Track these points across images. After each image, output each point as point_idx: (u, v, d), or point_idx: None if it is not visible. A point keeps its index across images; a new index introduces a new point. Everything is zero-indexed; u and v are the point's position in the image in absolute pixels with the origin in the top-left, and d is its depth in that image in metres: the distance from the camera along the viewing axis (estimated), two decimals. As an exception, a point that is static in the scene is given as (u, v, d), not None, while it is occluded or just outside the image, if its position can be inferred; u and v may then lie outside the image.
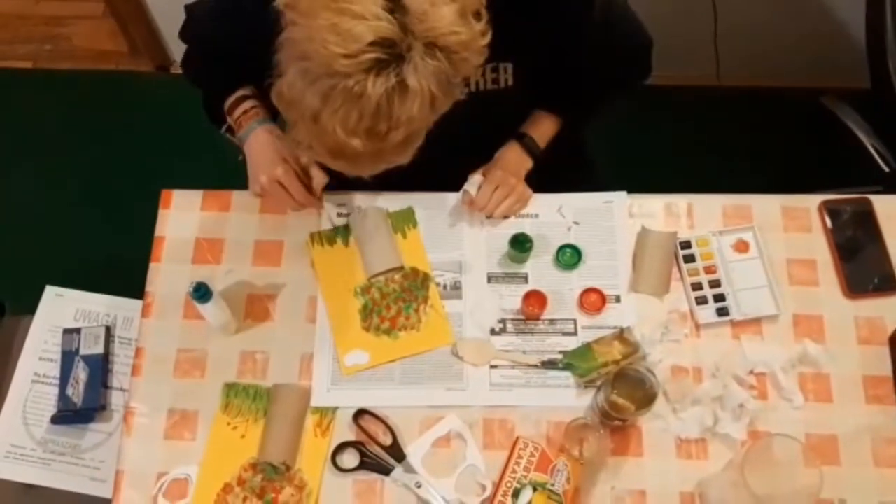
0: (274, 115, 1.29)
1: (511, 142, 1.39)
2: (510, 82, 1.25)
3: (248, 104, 1.31)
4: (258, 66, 1.02)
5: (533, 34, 1.14)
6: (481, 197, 1.34)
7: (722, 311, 1.30)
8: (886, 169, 2.08)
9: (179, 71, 2.54)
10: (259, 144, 1.29)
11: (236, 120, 1.32)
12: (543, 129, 1.40)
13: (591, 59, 1.27)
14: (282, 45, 0.95)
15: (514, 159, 1.38)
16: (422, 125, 0.98)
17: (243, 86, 1.33)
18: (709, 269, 1.33)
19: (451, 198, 1.39)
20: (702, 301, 1.31)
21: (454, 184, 1.37)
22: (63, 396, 1.46)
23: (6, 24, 2.62)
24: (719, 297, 1.31)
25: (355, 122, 0.92)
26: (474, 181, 1.35)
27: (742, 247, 1.35)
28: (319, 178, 1.30)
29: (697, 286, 1.31)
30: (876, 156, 2.12)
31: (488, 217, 1.37)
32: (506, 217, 1.38)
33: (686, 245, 1.34)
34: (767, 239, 1.35)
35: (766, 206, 1.38)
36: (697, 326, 1.30)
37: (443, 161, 1.31)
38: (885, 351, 1.28)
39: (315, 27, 0.89)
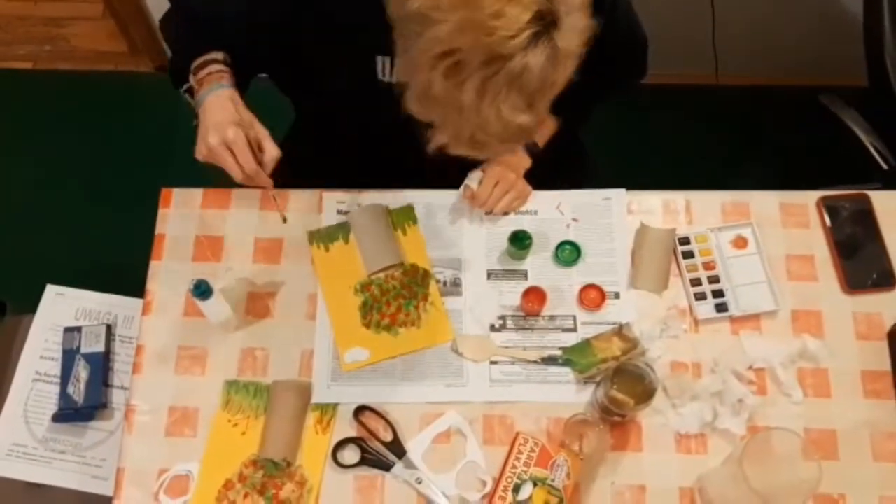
0: (242, 85, 1.26)
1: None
2: None
3: (214, 67, 1.22)
4: (243, 28, 1.07)
5: None
6: (482, 192, 1.35)
7: (721, 307, 1.30)
8: (885, 166, 2.08)
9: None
10: (215, 106, 1.20)
11: (198, 80, 1.23)
12: (542, 129, 1.40)
13: (593, 58, 1.27)
14: (406, 51, 0.94)
15: (513, 157, 1.38)
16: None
17: (216, 50, 1.25)
18: (708, 266, 1.33)
19: (451, 195, 1.39)
20: (701, 297, 1.31)
21: (457, 183, 1.38)
22: (64, 395, 1.46)
23: (6, 26, 2.62)
24: (718, 293, 1.31)
25: (520, 99, 0.92)
26: (475, 176, 1.35)
27: (741, 243, 1.35)
28: (272, 152, 1.19)
29: (696, 282, 1.32)
30: (874, 153, 2.12)
31: (488, 213, 1.38)
32: (505, 213, 1.38)
33: (685, 241, 1.35)
34: (766, 235, 1.36)
35: (765, 203, 1.39)
36: (696, 322, 1.30)
37: (449, 160, 1.32)
38: (884, 346, 1.29)
39: (469, 19, 0.87)
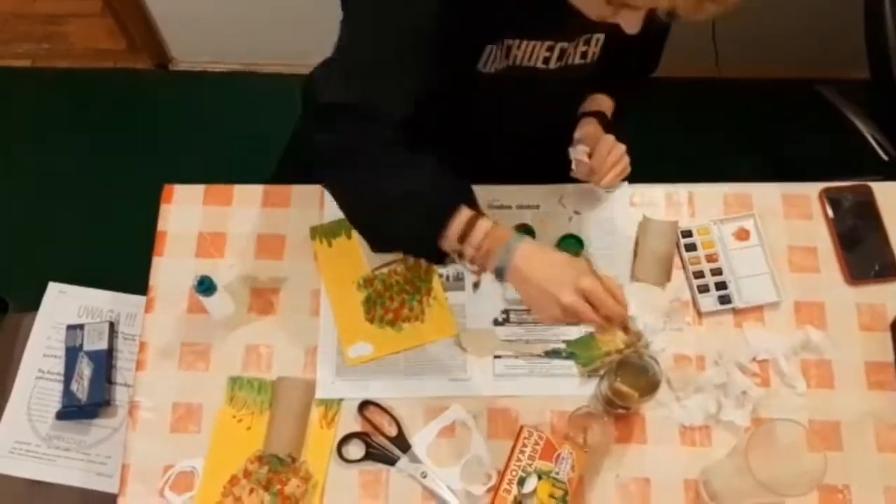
0: None
1: (589, 119, 1.36)
2: (596, 56, 1.25)
3: (486, 222, 1.04)
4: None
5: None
6: (599, 161, 1.28)
7: (724, 299, 1.30)
8: (886, 158, 2.09)
9: (178, 68, 2.57)
10: (540, 260, 1.04)
11: (480, 245, 1.04)
12: (608, 110, 1.39)
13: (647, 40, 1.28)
14: None
15: (597, 133, 1.35)
16: None
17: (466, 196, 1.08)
18: (710, 258, 1.33)
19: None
20: (704, 289, 1.31)
21: (501, 176, 1.37)
22: (67, 392, 1.46)
23: (3, 23, 2.62)
24: (721, 285, 1.31)
25: None
26: (582, 150, 1.30)
27: (743, 235, 1.35)
28: (616, 285, 1.07)
29: (699, 274, 1.32)
30: (875, 145, 2.12)
31: (598, 184, 1.30)
32: (609, 188, 1.33)
33: (687, 234, 1.35)
34: (768, 226, 1.36)
35: (767, 195, 1.39)
36: (699, 314, 1.31)
37: (511, 142, 1.34)
38: (887, 337, 1.29)
39: None
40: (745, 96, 2.42)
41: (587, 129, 1.36)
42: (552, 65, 1.24)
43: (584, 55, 1.25)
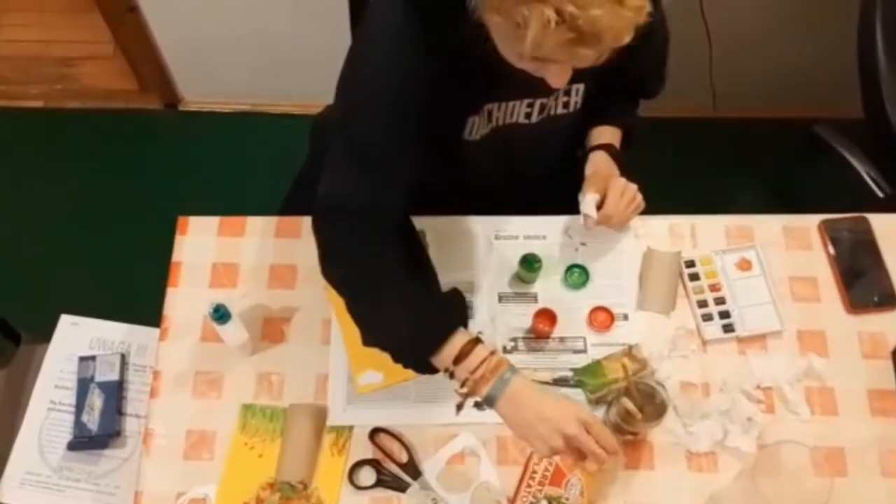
0: None
1: (597, 152, 1.39)
2: (578, 105, 1.28)
3: (483, 350, 1.09)
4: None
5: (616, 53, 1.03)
6: (613, 207, 1.31)
7: (727, 328, 1.33)
8: (880, 195, 2.13)
9: (187, 108, 2.62)
10: (530, 399, 1.08)
11: (475, 371, 1.08)
12: (615, 139, 1.42)
13: (642, 69, 1.32)
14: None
15: (608, 167, 1.38)
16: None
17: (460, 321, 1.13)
18: (713, 287, 1.36)
19: (461, 220, 1.43)
20: (708, 318, 1.34)
21: (507, 208, 1.42)
22: (79, 423, 1.47)
23: (18, 66, 2.67)
24: (724, 314, 1.34)
25: None
26: (590, 201, 1.31)
27: (745, 265, 1.38)
28: (605, 431, 1.09)
29: (703, 303, 1.35)
30: (870, 183, 2.16)
31: (611, 227, 1.34)
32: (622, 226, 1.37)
33: (691, 264, 1.38)
34: (769, 257, 1.39)
35: (768, 227, 1.42)
36: (704, 342, 1.33)
37: (500, 186, 1.37)
38: (889, 365, 1.31)
39: None
40: (741, 136, 2.47)
41: (597, 162, 1.38)
42: (534, 119, 1.27)
43: (565, 105, 1.28)
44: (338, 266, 1.17)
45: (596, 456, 1.07)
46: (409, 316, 1.12)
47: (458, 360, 1.09)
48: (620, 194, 1.32)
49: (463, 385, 1.10)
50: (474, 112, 1.21)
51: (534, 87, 1.10)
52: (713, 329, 1.33)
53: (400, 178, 1.15)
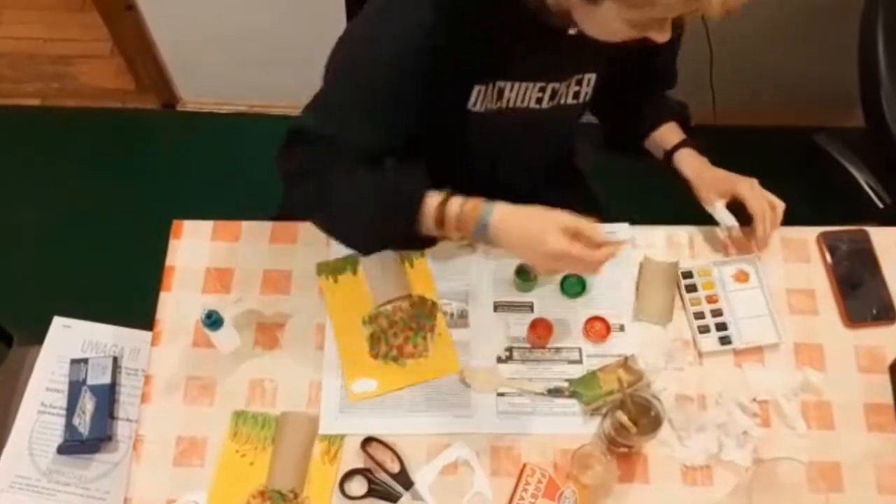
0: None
1: (682, 151, 1.40)
2: (588, 96, 1.29)
3: (456, 202, 1.12)
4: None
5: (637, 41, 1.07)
6: (768, 222, 1.32)
7: (724, 340, 1.32)
8: (880, 205, 2.12)
9: (185, 108, 2.61)
10: (511, 227, 1.11)
11: (457, 225, 1.13)
12: (681, 134, 1.44)
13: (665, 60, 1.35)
14: None
15: (703, 165, 1.40)
16: None
17: (422, 185, 1.15)
18: (711, 299, 1.35)
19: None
20: (704, 330, 1.33)
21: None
22: (70, 426, 1.46)
23: (14, 63, 2.67)
24: (721, 326, 1.33)
25: None
26: (723, 210, 1.34)
27: (742, 277, 1.38)
28: (592, 229, 1.11)
29: (700, 315, 1.34)
30: (870, 192, 2.16)
31: (760, 248, 1.37)
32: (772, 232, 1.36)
33: (688, 275, 1.37)
34: (767, 269, 1.38)
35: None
36: (700, 354, 1.32)
37: (501, 176, 1.37)
38: (886, 379, 1.30)
39: None
40: (741, 144, 2.45)
41: (691, 163, 1.40)
42: (544, 105, 1.27)
43: (576, 95, 1.29)
44: (296, 188, 1.20)
45: (592, 261, 1.09)
46: (374, 210, 1.15)
47: (439, 223, 1.12)
48: (758, 196, 1.32)
49: (459, 238, 1.16)
50: (481, 82, 1.20)
51: (548, 71, 1.13)
52: (709, 341, 1.32)
53: (380, 123, 1.14)
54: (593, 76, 1.27)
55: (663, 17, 1.00)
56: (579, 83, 1.28)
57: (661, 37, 1.04)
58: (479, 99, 1.22)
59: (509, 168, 1.37)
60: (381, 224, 1.16)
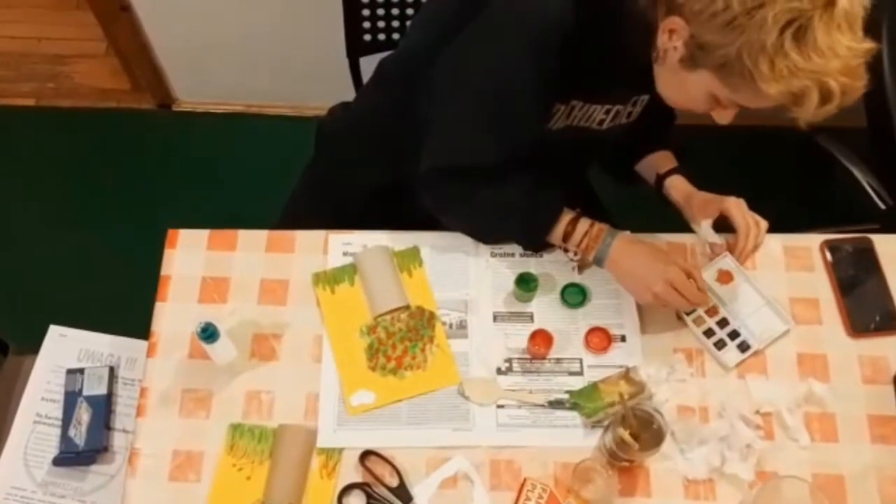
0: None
1: (675, 177, 1.45)
2: (635, 116, 1.32)
3: (584, 224, 1.29)
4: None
5: None
6: (751, 237, 1.35)
7: (743, 347, 1.31)
8: (882, 206, 2.10)
9: (181, 108, 2.59)
10: (631, 254, 1.27)
11: (581, 243, 1.29)
12: (674, 162, 1.49)
13: None
14: (726, 62, 1.03)
15: (693, 190, 1.44)
16: None
17: (554, 204, 1.30)
18: (711, 312, 1.33)
19: (456, 237, 1.40)
20: (721, 345, 1.31)
21: None
22: (65, 438, 1.44)
23: (9, 63, 2.64)
24: (734, 334, 1.31)
25: (853, 31, 1.00)
26: (709, 228, 1.37)
27: (725, 277, 1.36)
28: (699, 273, 1.28)
29: (710, 332, 1.32)
30: (872, 194, 2.14)
31: (741, 262, 1.37)
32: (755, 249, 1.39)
33: None
34: (770, 278, 1.37)
35: (769, 246, 1.40)
36: (703, 366, 1.30)
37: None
38: (890, 390, 1.29)
39: None
40: (741, 145, 2.44)
41: (681, 187, 1.44)
42: (605, 126, 1.29)
43: (629, 115, 1.31)
44: (448, 216, 1.36)
45: (695, 299, 1.25)
46: (519, 223, 1.32)
47: (565, 238, 1.29)
48: (754, 226, 1.36)
49: (575, 255, 1.34)
50: (561, 101, 1.24)
51: (617, 93, 1.24)
52: (731, 354, 1.30)
53: (521, 141, 1.23)
54: (647, 97, 1.30)
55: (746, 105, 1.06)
56: (634, 104, 1.31)
57: (725, 118, 1.15)
58: (556, 117, 1.26)
59: (545, 182, 1.36)
60: (521, 232, 1.34)
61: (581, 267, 1.35)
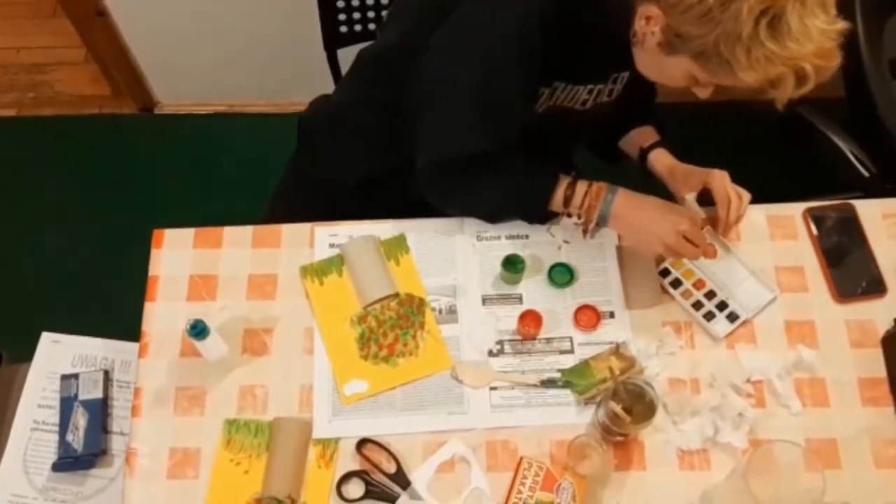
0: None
1: (658, 150, 1.46)
2: (616, 94, 1.33)
3: (582, 186, 1.29)
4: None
5: None
6: (733, 209, 1.34)
7: (731, 317, 1.32)
8: (866, 174, 2.12)
9: (163, 111, 2.58)
10: (637, 209, 1.27)
11: (583, 204, 1.28)
12: (656, 136, 1.49)
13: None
14: (705, 49, 1.04)
15: (676, 163, 1.45)
16: None
17: (549, 173, 1.31)
18: (698, 285, 1.34)
19: (442, 223, 1.40)
20: (710, 316, 1.32)
21: None
22: (63, 443, 1.44)
23: (-12, 74, 2.63)
24: (722, 305, 1.33)
25: (827, 11, 1.00)
26: (693, 202, 1.37)
27: (709, 252, 1.36)
28: (706, 223, 1.33)
29: (698, 305, 1.33)
30: (855, 162, 2.15)
31: (725, 235, 1.38)
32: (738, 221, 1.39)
33: (666, 272, 1.36)
34: (754, 248, 1.38)
35: (752, 216, 1.40)
36: (692, 338, 1.31)
37: None
38: (878, 353, 1.30)
39: None
40: (723, 120, 2.44)
41: (665, 161, 1.45)
42: (588, 106, 1.30)
43: (610, 93, 1.32)
44: (457, 205, 1.37)
45: (697, 253, 1.26)
46: (521, 199, 1.33)
47: (566, 203, 1.29)
48: (726, 186, 1.35)
49: (580, 218, 1.31)
50: (546, 84, 1.25)
51: (596, 72, 1.24)
52: (721, 325, 1.31)
53: (511, 126, 1.24)
54: (626, 74, 1.30)
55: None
56: (614, 81, 1.31)
57: (705, 94, 1.15)
58: (541, 100, 1.26)
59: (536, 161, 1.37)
60: (524, 206, 1.35)
61: (587, 231, 1.32)
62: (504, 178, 1.30)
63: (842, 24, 1.01)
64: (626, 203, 1.27)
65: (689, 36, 1.05)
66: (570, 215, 1.33)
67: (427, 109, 1.26)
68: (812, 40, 0.99)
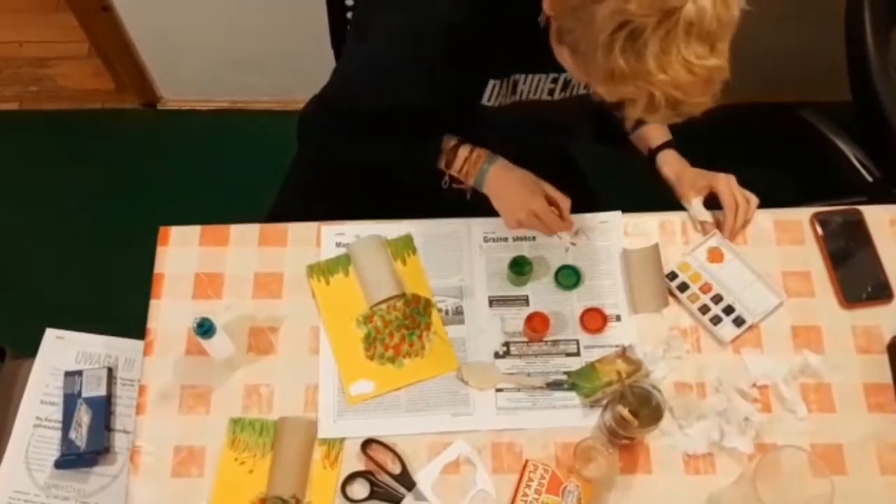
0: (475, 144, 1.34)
1: (666, 152, 1.45)
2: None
3: (465, 150, 1.33)
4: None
5: None
6: (740, 213, 1.36)
7: (738, 321, 1.31)
8: (869, 179, 2.12)
9: (166, 107, 2.57)
10: (503, 182, 1.33)
11: (461, 170, 1.34)
12: (667, 135, 1.48)
13: None
14: (577, 47, 1.01)
15: (685, 165, 1.44)
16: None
17: (438, 136, 1.34)
18: (704, 288, 1.34)
19: (449, 223, 1.40)
20: (716, 321, 1.32)
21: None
22: (66, 440, 1.44)
23: (-9, 67, 2.62)
24: (729, 309, 1.32)
25: (702, 46, 0.94)
26: (699, 206, 1.38)
27: (716, 255, 1.36)
28: (565, 203, 1.35)
29: (705, 308, 1.32)
30: (859, 167, 2.15)
31: (731, 239, 1.38)
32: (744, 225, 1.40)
33: (673, 276, 1.35)
34: (761, 252, 1.37)
35: (759, 221, 1.40)
36: (698, 342, 1.31)
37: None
38: (884, 359, 1.30)
39: None
40: (729, 122, 2.44)
41: (672, 163, 1.43)
42: (556, 96, 1.27)
43: (587, 85, 1.27)
44: (337, 152, 1.40)
45: (555, 227, 1.33)
46: (405, 150, 1.35)
47: (447, 165, 1.34)
48: (745, 202, 1.36)
49: (459, 183, 1.37)
50: (496, 76, 1.23)
51: (552, 62, 1.15)
52: (727, 329, 1.31)
53: (407, 96, 1.24)
54: None
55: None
56: None
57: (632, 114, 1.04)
58: (493, 94, 1.24)
59: (518, 162, 1.36)
60: (408, 158, 1.37)
61: (466, 192, 1.39)
62: (394, 140, 1.33)
63: (716, 62, 0.95)
64: (497, 174, 1.32)
65: (565, 28, 1.02)
66: (451, 177, 1.37)
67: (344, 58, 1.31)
68: (669, 68, 0.93)
